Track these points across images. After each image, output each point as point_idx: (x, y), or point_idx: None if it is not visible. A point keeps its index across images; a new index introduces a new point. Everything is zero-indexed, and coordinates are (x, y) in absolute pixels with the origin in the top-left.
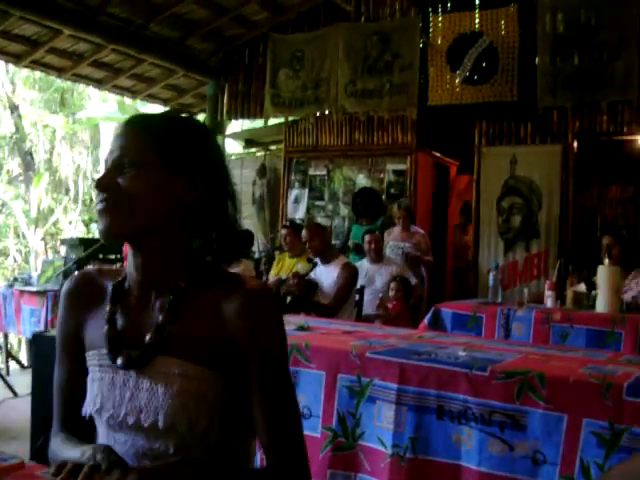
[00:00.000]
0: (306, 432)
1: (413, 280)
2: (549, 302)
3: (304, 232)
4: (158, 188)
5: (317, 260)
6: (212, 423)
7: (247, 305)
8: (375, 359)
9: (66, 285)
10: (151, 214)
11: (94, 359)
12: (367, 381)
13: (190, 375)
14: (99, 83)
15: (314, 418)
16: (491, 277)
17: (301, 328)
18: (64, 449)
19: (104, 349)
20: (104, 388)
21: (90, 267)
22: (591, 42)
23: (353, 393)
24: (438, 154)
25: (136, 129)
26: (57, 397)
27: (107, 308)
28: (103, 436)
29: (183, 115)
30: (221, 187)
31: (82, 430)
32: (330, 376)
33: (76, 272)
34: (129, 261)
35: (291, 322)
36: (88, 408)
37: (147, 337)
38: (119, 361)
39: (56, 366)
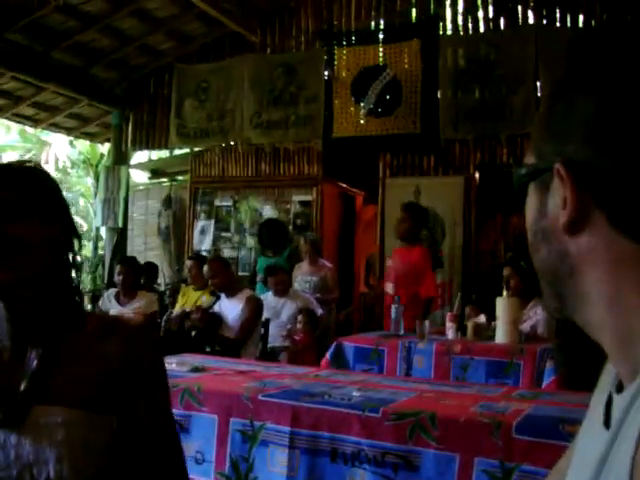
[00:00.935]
0: (200, 478)
1: (319, 311)
2: (450, 334)
3: (206, 268)
4: (37, 238)
5: (221, 294)
6: (101, 469)
7: (127, 344)
8: (267, 402)
9: None
10: (34, 264)
11: None
12: (259, 425)
13: (75, 422)
14: None
15: (207, 463)
16: (393, 310)
17: (195, 369)
18: None
19: None
20: None
21: None
22: (491, 76)
23: (246, 437)
24: (344, 185)
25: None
26: None
27: None
28: None
29: (29, 165)
30: (75, 231)
31: None
32: (222, 420)
33: None
34: None
35: (186, 363)
36: None
37: (21, 387)
38: None
39: None
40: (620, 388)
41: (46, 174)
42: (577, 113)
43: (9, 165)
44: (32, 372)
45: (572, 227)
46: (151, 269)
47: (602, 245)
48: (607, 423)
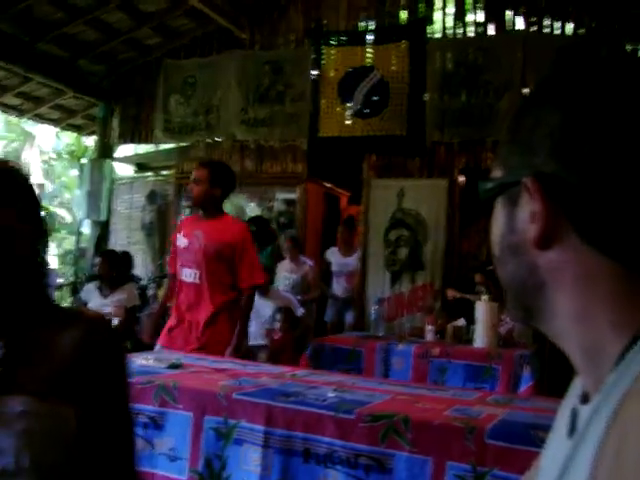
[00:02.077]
0: (173, 475)
1: (299, 311)
2: (429, 336)
3: None
4: (13, 235)
5: None
6: (60, 462)
7: (85, 336)
8: (242, 400)
9: None
10: (6, 255)
11: None
12: (233, 423)
13: (35, 412)
14: None
15: (181, 461)
16: (373, 311)
17: (173, 366)
18: None
19: None
20: None
21: None
22: (477, 81)
23: (220, 435)
24: (329, 184)
25: None
26: None
27: None
28: None
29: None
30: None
31: None
32: (197, 418)
33: None
34: None
35: (163, 359)
36: None
37: None
38: None
39: None
40: (585, 399)
41: (24, 174)
42: (543, 125)
43: None
44: None
45: (542, 241)
46: (126, 258)
47: (571, 259)
48: (571, 433)
